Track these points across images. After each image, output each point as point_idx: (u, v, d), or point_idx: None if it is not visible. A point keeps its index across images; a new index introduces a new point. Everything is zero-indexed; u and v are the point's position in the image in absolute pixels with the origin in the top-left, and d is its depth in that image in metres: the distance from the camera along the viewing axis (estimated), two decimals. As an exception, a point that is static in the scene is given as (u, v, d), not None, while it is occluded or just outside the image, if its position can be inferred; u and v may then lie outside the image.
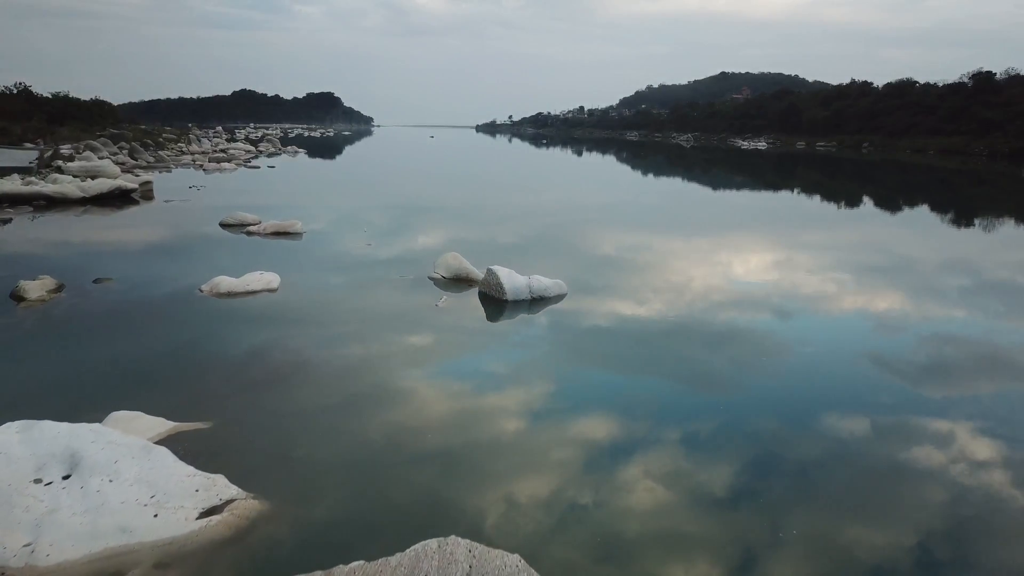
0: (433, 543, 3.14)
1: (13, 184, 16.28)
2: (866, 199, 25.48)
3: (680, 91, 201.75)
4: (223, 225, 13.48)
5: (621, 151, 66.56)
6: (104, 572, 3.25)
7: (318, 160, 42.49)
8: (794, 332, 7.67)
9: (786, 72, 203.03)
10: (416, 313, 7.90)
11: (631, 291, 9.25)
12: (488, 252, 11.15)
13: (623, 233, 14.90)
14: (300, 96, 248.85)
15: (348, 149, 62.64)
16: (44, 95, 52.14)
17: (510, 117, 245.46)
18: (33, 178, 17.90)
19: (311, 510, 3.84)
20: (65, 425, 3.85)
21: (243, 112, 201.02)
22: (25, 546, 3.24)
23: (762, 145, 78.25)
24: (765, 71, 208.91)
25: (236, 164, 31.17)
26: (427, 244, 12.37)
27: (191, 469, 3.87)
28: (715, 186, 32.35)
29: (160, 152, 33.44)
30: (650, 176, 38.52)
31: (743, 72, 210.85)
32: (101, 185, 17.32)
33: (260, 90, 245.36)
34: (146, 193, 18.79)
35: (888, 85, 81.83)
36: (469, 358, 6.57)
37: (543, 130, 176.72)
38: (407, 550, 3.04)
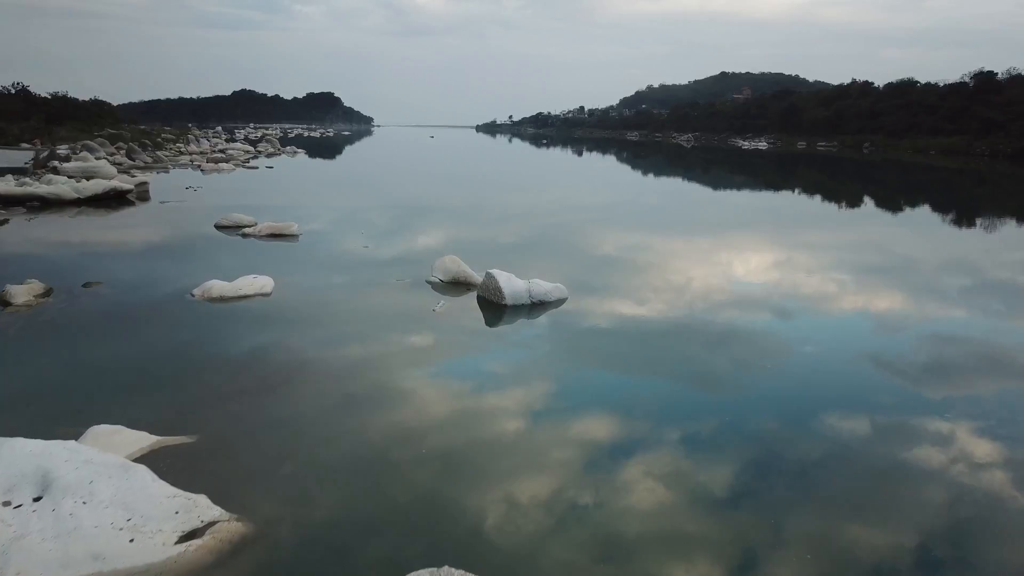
0: (425, 573, 2.97)
1: (6, 185, 16.07)
2: (867, 199, 25.31)
3: (680, 91, 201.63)
4: (218, 227, 13.28)
5: (621, 151, 66.38)
6: (74, 602, 3.05)
7: (317, 160, 42.31)
8: (795, 332, 7.70)
9: (787, 72, 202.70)
10: (412, 319, 7.69)
11: (634, 295, 9.05)
12: (487, 253, 10.96)
13: (624, 234, 14.70)
14: (300, 96, 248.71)
15: (348, 149, 62.47)
16: (43, 95, 51.96)
17: (510, 117, 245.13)
18: (27, 179, 17.71)
19: (298, 533, 3.64)
20: (38, 442, 3.65)
21: (243, 112, 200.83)
22: (-10, 575, 3.04)
23: (763, 145, 78.03)
24: (766, 71, 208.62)
25: (234, 164, 30.96)
26: (425, 245, 12.18)
27: (171, 489, 3.67)
28: (716, 186, 32.16)
29: (158, 152, 33.24)
30: (650, 176, 38.34)
31: (743, 72, 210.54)
32: (96, 186, 17.10)
33: (260, 90, 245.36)
34: (142, 194, 18.60)
35: (889, 85, 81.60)
36: (467, 367, 6.37)
37: (543, 130, 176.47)
38: (397, 581, 2.85)
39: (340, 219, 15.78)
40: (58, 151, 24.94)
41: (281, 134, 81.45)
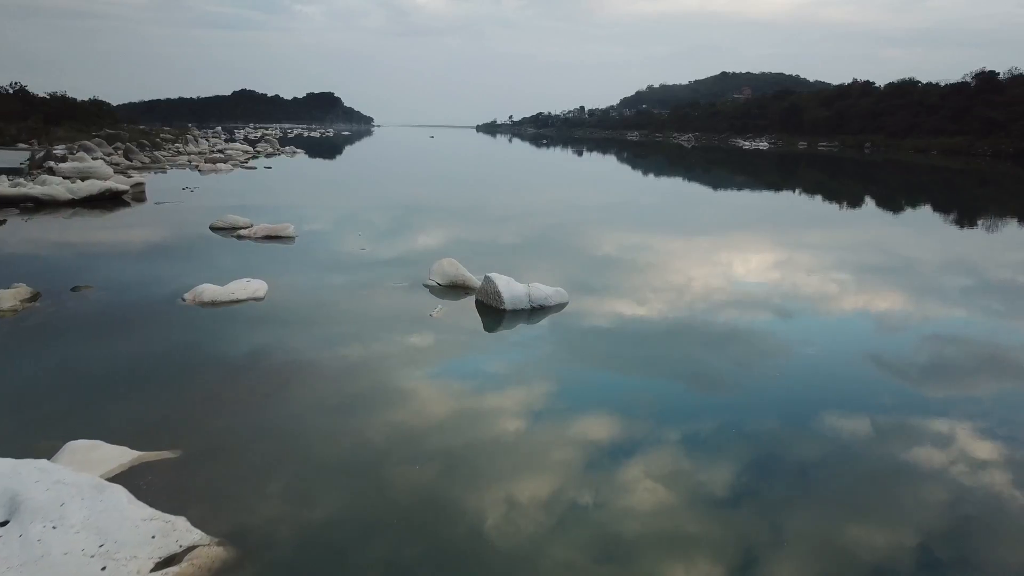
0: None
1: (0, 185, 15.86)
2: (868, 199, 25.12)
3: (681, 91, 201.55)
4: (213, 228, 13.06)
5: (622, 151, 66.20)
6: (40, 637, 2.85)
7: (317, 160, 42.11)
8: (796, 333, 7.66)
9: (787, 72, 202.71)
10: (408, 324, 7.48)
11: (635, 298, 8.84)
12: (486, 255, 10.77)
13: (625, 234, 14.49)
14: (300, 96, 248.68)
15: (348, 149, 62.26)
16: (41, 95, 51.72)
17: (510, 117, 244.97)
18: (22, 179, 17.49)
19: (282, 557, 3.43)
20: (7, 462, 3.45)
21: (243, 112, 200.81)
22: (-50, 607, 2.84)
23: (764, 145, 77.83)
24: (766, 71, 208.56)
25: (232, 165, 30.74)
26: (423, 247, 11.97)
27: (149, 511, 3.46)
28: (716, 186, 31.96)
29: (156, 153, 33.01)
30: (651, 176, 38.14)
31: (744, 72, 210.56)
32: (91, 187, 16.89)
33: (260, 90, 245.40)
34: (137, 195, 18.39)
35: (890, 85, 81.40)
36: (465, 375, 6.15)
37: (543, 130, 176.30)
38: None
39: (338, 220, 15.57)
40: (55, 151, 24.73)
41: (281, 134, 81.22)
